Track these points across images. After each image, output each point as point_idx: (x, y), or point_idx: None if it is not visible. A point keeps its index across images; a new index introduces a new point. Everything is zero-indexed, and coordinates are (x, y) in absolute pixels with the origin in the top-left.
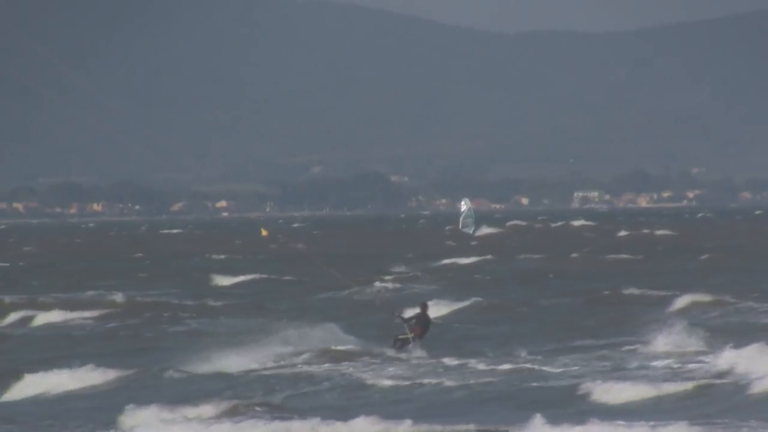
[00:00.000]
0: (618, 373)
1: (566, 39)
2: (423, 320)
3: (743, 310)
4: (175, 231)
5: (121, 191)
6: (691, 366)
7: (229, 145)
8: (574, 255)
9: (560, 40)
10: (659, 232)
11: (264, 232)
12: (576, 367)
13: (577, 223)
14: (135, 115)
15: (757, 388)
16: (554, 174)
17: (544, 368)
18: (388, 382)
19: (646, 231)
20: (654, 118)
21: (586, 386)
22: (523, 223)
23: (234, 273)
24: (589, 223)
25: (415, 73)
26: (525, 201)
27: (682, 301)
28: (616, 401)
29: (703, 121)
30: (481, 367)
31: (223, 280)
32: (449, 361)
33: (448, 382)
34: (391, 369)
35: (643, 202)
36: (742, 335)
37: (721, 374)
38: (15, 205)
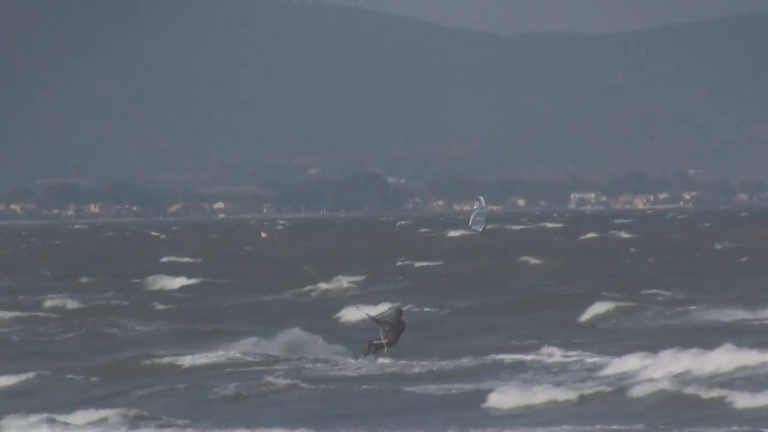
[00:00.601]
0: (518, 377)
1: (563, 40)
2: (397, 327)
3: (654, 315)
4: (154, 233)
5: (118, 193)
6: (587, 371)
7: (227, 146)
8: (525, 258)
9: (557, 41)
10: (625, 235)
11: (263, 234)
12: (471, 369)
13: (550, 225)
14: (132, 116)
15: (638, 392)
16: (551, 175)
17: (449, 372)
18: (300, 385)
19: (614, 233)
20: (651, 119)
21: (484, 391)
22: (497, 226)
23: (187, 275)
24: (559, 225)
25: (412, 74)
26: (522, 202)
27: (598, 307)
28: (510, 406)
29: (700, 123)
30: (391, 370)
31: (172, 283)
32: (362, 365)
33: (357, 387)
34: (315, 372)
35: (639, 203)
36: (642, 340)
37: (612, 379)
38: (12, 206)
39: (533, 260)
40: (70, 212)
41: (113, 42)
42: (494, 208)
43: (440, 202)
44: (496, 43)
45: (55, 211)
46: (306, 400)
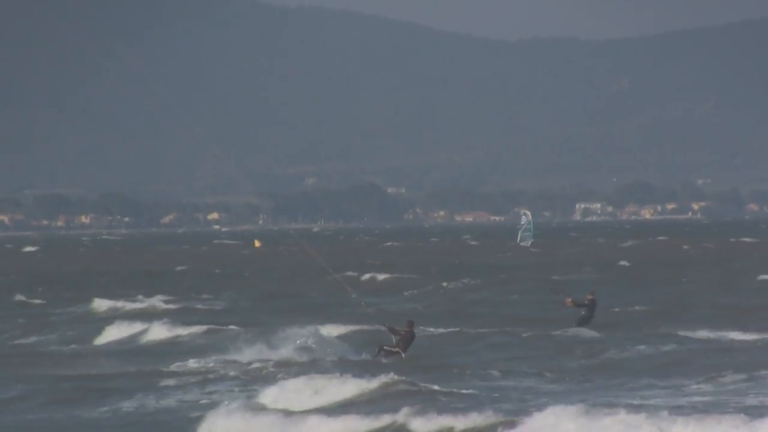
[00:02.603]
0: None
1: (568, 46)
2: (407, 338)
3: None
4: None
5: (109, 203)
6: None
7: (221, 156)
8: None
9: (562, 47)
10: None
11: (257, 243)
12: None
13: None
14: (124, 125)
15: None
16: (556, 185)
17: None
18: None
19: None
20: (658, 127)
21: (202, 414)
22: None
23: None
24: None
25: (412, 81)
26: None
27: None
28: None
29: (709, 131)
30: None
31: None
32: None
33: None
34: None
35: (646, 214)
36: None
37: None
38: (0, 217)
39: (378, 276)
40: (59, 223)
41: (103, 50)
42: (497, 218)
43: (441, 213)
44: (499, 49)
45: (45, 222)
46: None
